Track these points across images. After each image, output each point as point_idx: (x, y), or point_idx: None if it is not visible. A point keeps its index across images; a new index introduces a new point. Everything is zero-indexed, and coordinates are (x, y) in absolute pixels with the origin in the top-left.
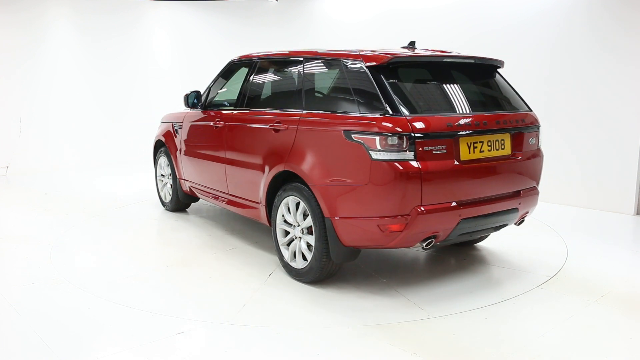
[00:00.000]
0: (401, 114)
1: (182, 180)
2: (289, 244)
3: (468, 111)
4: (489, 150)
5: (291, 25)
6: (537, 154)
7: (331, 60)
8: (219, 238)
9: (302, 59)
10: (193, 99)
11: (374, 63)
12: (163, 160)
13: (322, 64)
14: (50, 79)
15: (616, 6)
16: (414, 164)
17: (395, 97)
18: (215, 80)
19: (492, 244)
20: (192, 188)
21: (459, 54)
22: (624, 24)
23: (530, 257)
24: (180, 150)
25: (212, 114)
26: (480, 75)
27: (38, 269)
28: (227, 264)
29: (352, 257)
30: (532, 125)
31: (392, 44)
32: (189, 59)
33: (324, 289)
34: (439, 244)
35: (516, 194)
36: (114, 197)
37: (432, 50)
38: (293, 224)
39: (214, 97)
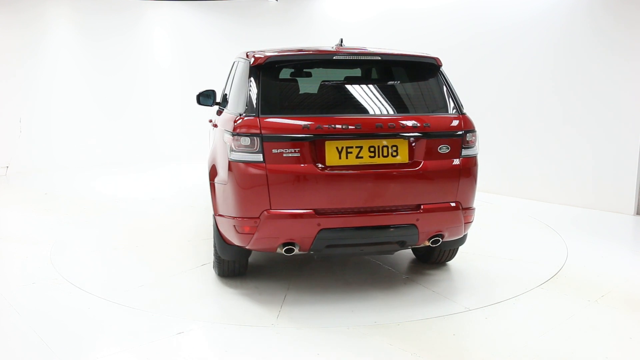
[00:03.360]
0: (257, 114)
1: None
2: None
3: (351, 113)
4: (372, 157)
5: (291, 25)
6: (455, 164)
7: (245, 59)
8: None
9: (235, 60)
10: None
11: (257, 63)
12: None
13: (242, 64)
14: (50, 79)
15: (617, 5)
16: (261, 166)
17: (259, 98)
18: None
19: (492, 243)
20: None
21: (368, 51)
22: (624, 23)
23: (530, 257)
24: None
25: None
26: (399, 73)
27: (38, 269)
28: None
29: (237, 256)
30: (445, 131)
31: (392, 44)
32: (189, 59)
33: (324, 289)
34: (316, 255)
35: (414, 209)
36: (114, 197)
37: (355, 47)
38: None
39: None
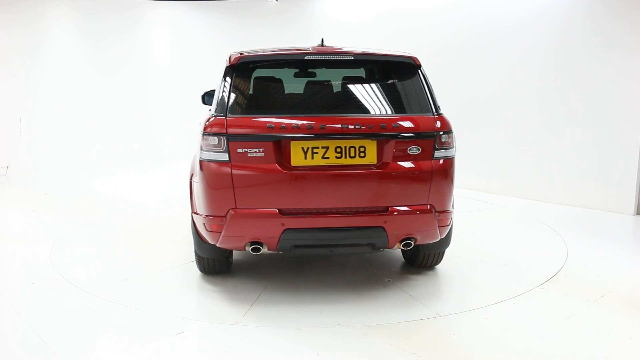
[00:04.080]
0: (225, 114)
1: None
2: None
3: (321, 113)
4: (338, 158)
5: (291, 25)
6: (426, 166)
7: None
8: None
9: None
10: None
11: (230, 63)
12: None
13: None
14: (50, 79)
15: (617, 4)
16: (227, 165)
17: (228, 98)
18: None
19: (492, 243)
20: None
21: (340, 51)
22: (624, 22)
23: (530, 257)
24: None
25: None
26: (374, 73)
27: (38, 269)
28: (236, 267)
29: (215, 253)
30: (415, 131)
31: (392, 44)
32: (189, 59)
33: (324, 289)
34: (285, 254)
35: (382, 211)
36: (114, 197)
37: (331, 47)
38: None
39: None
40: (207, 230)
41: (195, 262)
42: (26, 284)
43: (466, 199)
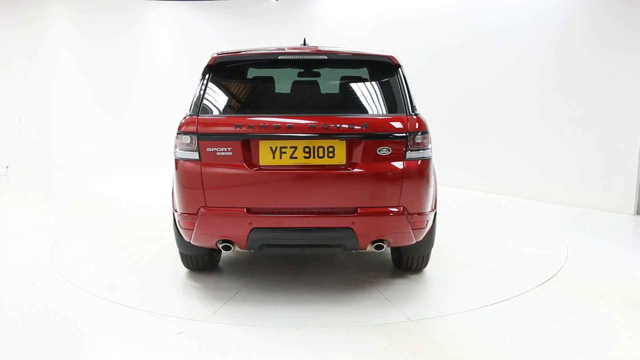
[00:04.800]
0: (197, 114)
1: None
2: None
3: (293, 112)
4: (306, 158)
5: (291, 25)
6: (398, 167)
7: None
8: None
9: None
10: None
11: (207, 64)
12: None
13: None
14: (50, 79)
15: (617, 4)
16: (197, 164)
17: (202, 97)
18: None
19: (491, 243)
20: None
21: (314, 51)
22: (624, 21)
23: (530, 257)
24: None
25: None
26: (350, 72)
27: (38, 269)
28: (227, 264)
29: (195, 250)
30: (385, 132)
31: (392, 44)
32: (189, 59)
33: (323, 289)
34: (257, 252)
35: (350, 212)
36: (114, 197)
37: (308, 47)
38: None
39: None
40: (181, 227)
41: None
42: (26, 284)
43: (466, 199)
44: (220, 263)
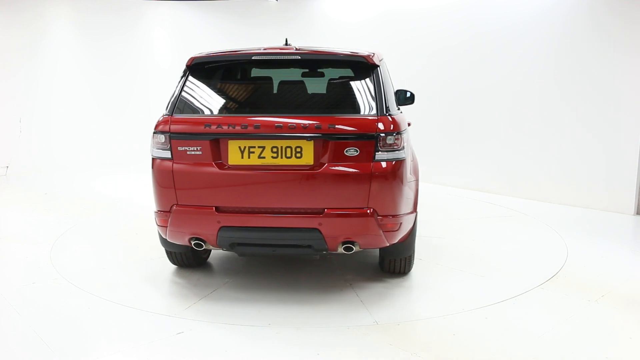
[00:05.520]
0: (172, 113)
1: None
2: None
3: (264, 112)
4: (274, 157)
5: (291, 25)
6: (365, 168)
7: None
8: None
9: None
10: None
11: (186, 65)
12: None
13: None
14: (50, 79)
15: (618, 3)
16: (169, 162)
17: (177, 98)
18: None
19: (491, 243)
20: None
21: (288, 51)
22: (625, 21)
23: (530, 257)
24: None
25: None
26: (325, 72)
27: (38, 269)
28: (227, 264)
29: (177, 248)
30: (352, 133)
31: (392, 44)
32: None
33: (323, 289)
34: (228, 251)
35: (317, 213)
36: (114, 197)
37: (284, 47)
38: None
39: None
40: (157, 224)
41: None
42: (26, 284)
43: (466, 199)
44: (212, 260)
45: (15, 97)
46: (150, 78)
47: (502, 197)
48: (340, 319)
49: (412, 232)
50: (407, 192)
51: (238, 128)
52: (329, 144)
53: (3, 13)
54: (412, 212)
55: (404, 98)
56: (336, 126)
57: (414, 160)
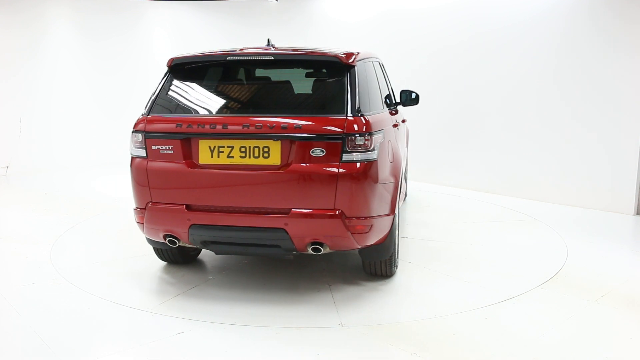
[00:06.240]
0: (148, 113)
1: None
2: None
3: (237, 113)
4: (242, 157)
5: (291, 25)
6: (332, 169)
7: None
8: None
9: None
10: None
11: (167, 65)
12: None
13: None
14: (50, 79)
15: (618, 2)
16: (144, 161)
17: (155, 98)
18: None
19: (492, 244)
20: None
21: (261, 52)
22: (625, 21)
23: (530, 257)
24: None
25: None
26: (299, 72)
27: (38, 269)
28: (226, 263)
29: (160, 244)
30: (318, 133)
31: (392, 44)
32: None
33: (323, 289)
34: (202, 247)
35: (283, 213)
36: (114, 197)
37: (266, 47)
38: None
39: None
40: (136, 221)
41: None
42: (26, 284)
43: (465, 199)
44: (204, 257)
45: (15, 97)
46: (150, 78)
47: (502, 197)
48: (306, 320)
49: (390, 235)
50: (381, 194)
51: (207, 128)
52: (295, 144)
53: (3, 13)
54: (388, 215)
55: (409, 99)
56: (302, 126)
57: (395, 161)
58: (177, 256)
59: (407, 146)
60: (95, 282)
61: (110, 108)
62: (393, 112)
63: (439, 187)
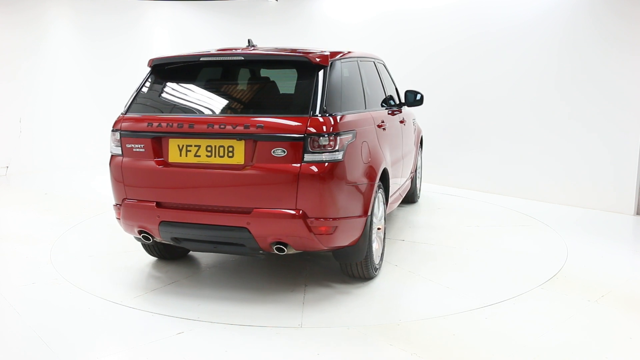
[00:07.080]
0: (126, 112)
1: None
2: None
3: (200, 113)
4: (208, 156)
5: (291, 25)
6: (293, 169)
7: None
8: None
9: None
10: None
11: (148, 65)
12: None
13: None
14: (50, 79)
15: (619, 3)
16: (120, 158)
17: (136, 98)
18: None
19: (492, 244)
20: None
21: (233, 52)
22: (626, 21)
23: (530, 257)
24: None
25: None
26: (269, 73)
27: (38, 269)
28: (226, 263)
29: (142, 239)
30: (279, 133)
31: (392, 44)
32: None
33: (323, 289)
34: (179, 244)
35: (246, 212)
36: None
37: (238, 48)
38: None
39: None
40: (115, 217)
41: None
42: (26, 284)
43: (465, 199)
44: (204, 257)
45: (16, 97)
46: None
47: (502, 197)
48: (268, 320)
49: (363, 237)
50: (348, 195)
51: (175, 127)
52: (258, 144)
53: (3, 13)
54: (359, 217)
55: (413, 100)
56: (264, 126)
57: (372, 162)
58: (163, 252)
59: (416, 145)
60: (96, 282)
61: (110, 108)
62: (391, 112)
63: (438, 187)
